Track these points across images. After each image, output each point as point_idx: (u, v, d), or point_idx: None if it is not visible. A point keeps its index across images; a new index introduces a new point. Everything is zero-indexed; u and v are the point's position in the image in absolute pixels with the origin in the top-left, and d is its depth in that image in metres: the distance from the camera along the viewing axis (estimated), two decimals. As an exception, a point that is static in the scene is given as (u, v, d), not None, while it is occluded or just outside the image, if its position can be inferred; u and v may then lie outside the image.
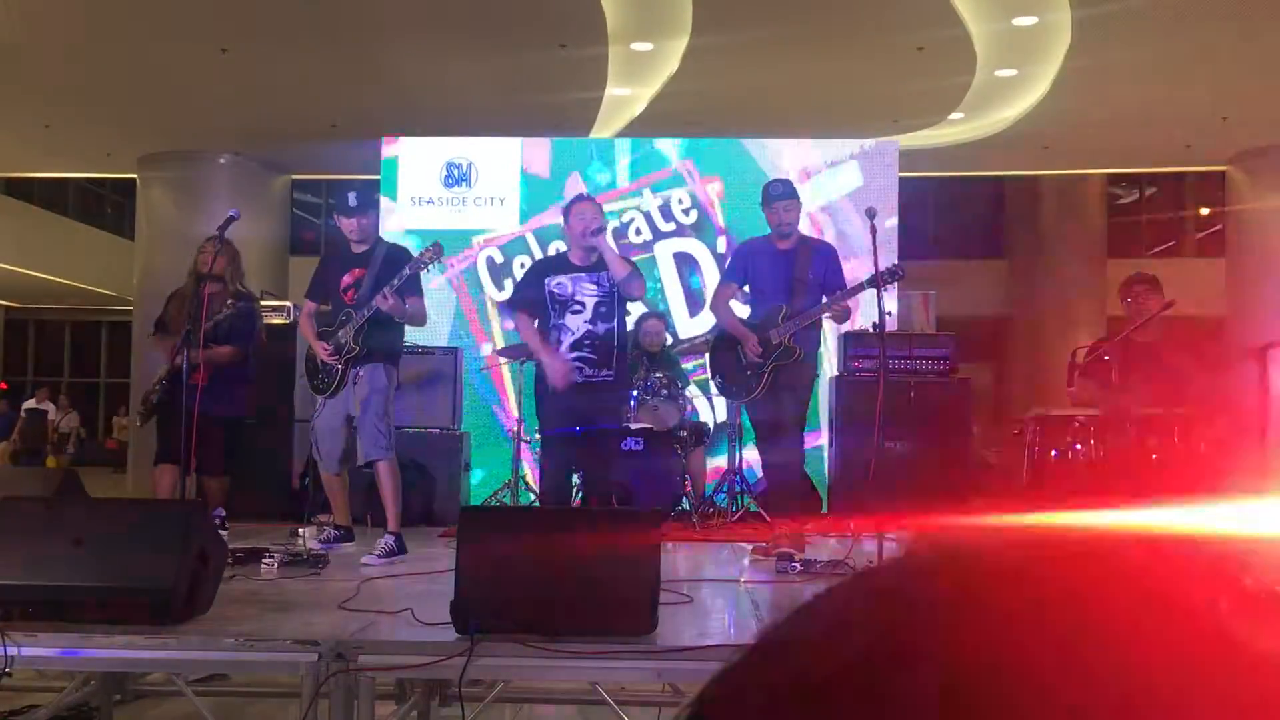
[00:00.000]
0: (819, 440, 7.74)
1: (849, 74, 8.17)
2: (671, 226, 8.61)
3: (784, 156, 8.62)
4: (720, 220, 8.59)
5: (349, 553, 5.03)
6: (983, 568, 0.40)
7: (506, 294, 8.44)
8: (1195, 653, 0.36)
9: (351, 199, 5.29)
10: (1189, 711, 0.35)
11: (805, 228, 5.51)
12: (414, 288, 5.11)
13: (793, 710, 0.37)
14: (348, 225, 5.26)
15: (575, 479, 5.41)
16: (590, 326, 5.02)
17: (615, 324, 5.08)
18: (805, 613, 0.40)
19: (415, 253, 5.23)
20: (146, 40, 7.64)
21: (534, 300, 5.14)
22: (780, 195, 5.25)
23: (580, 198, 5.38)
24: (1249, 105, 8.66)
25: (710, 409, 7.85)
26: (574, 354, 5.02)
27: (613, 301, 5.05)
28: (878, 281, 4.85)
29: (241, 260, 5.88)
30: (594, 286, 5.04)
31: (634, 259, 5.96)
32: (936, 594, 0.39)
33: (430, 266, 5.08)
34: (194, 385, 4.77)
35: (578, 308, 5.03)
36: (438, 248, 5.09)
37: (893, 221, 8.30)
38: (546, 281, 5.08)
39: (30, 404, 18.60)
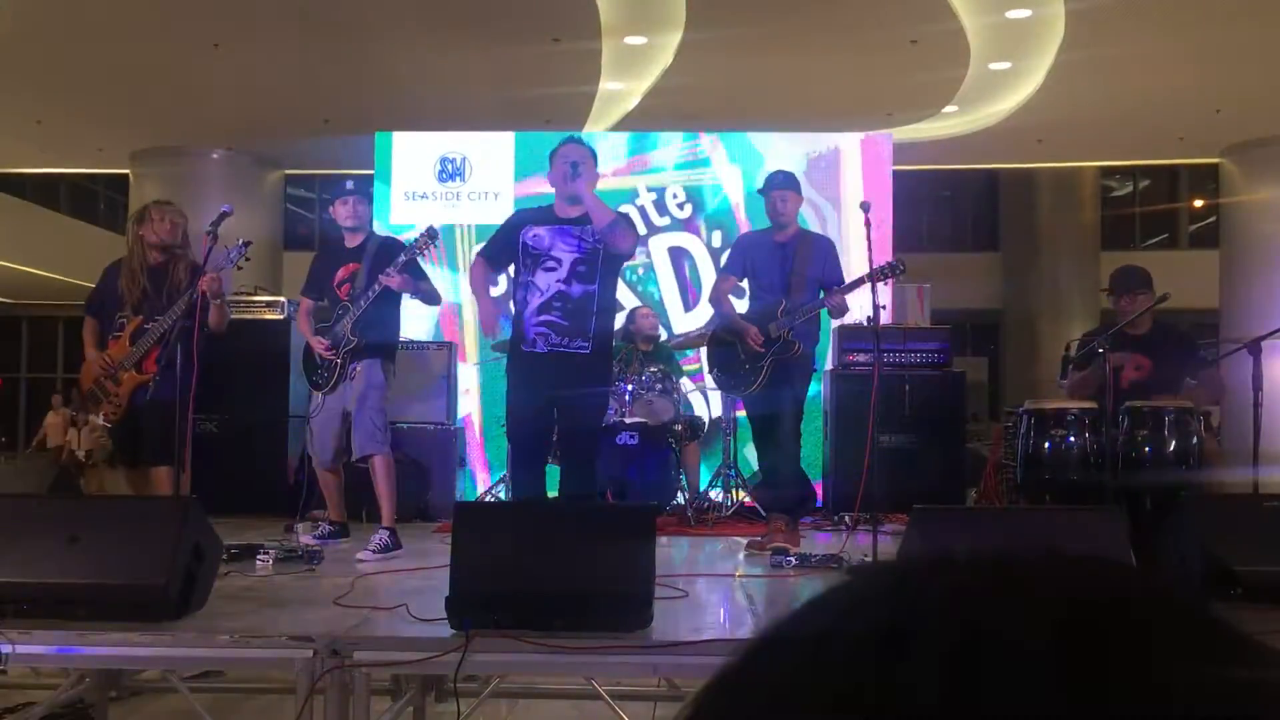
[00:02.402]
0: (815, 434, 7.74)
1: (843, 67, 8.17)
2: (666, 221, 8.59)
3: (777, 150, 8.61)
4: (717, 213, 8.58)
5: (344, 548, 5.03)
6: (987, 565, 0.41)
7: (500, 290, 8.43)
8: (1201, 642, 0.38)
9: (348, 184, 5.33)
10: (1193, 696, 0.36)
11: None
12: (416, 272, 5.06)
13: (812, 673, 0.39)
14: (342, 210, 5.21)
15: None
16: (563, 286, 4.47)
17: (595, 288, 4.50)
18: (829, 593, 0.42)
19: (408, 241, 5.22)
20: (138, 36, 7.61)
21: (500, 252, 4.68)
22: (778, 184, 5.24)
23: (569, 139, 4.83)
24: (1242, 98, 8.67)
25: (706, 404, 7.85)
26: (541, 317, 4.47)
27: (595, 262, 4.50)
28: (874, 276, 4.84)
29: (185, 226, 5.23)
30: (574, 241, 4.50)
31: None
32: (946, 580, 0.40)
33: (426, 252, 5.03)
34: (188, 382, 4.70)
35: (552, 264, 4.49)
36: (431, 232, 4.98)
37: (887, 215, 8.30)
38: (523, 233, 4.58)
39: None
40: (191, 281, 4.85)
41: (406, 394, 6.67)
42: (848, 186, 8.48)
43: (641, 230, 8.39)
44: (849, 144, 8.67)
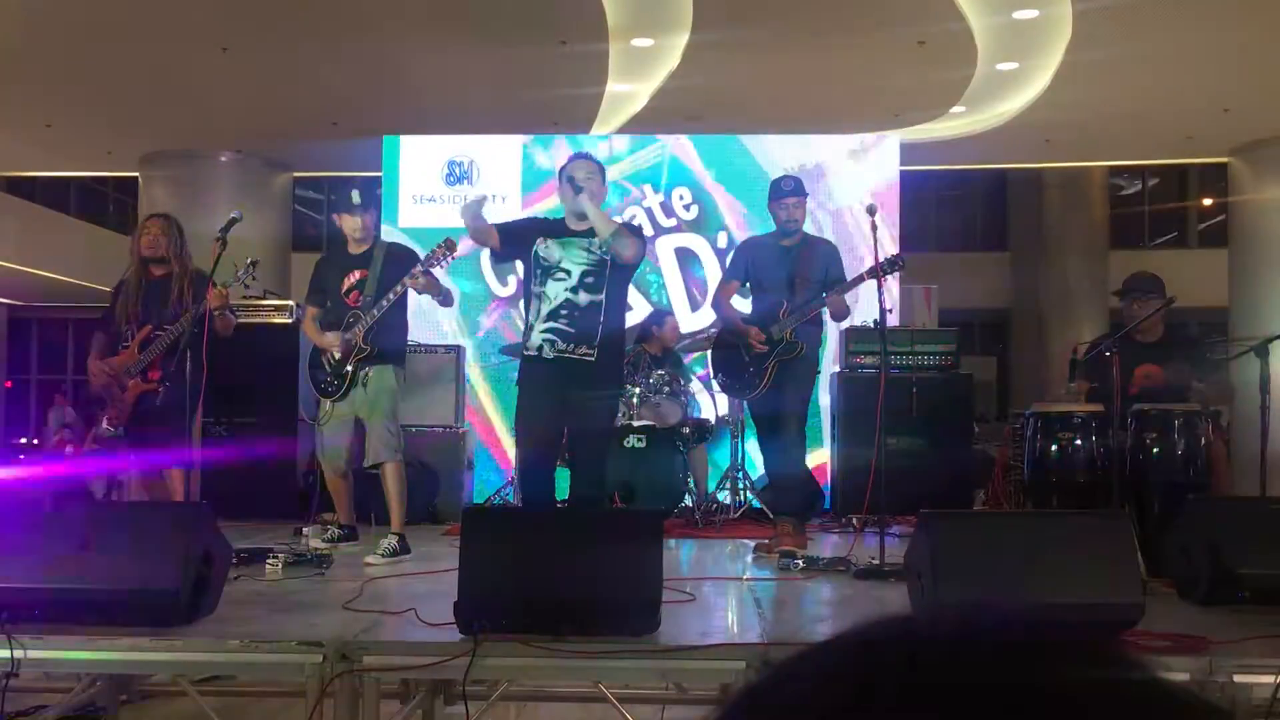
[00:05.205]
0: (821, 436, 7.74)
1: (850, 68, 8.16)
2: (673, 222, 8.60)
3: (784, 151, 8.61)
4: (722, 216, 8.58)
5: (353, 552, 5.04)
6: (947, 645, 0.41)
7: (510, 289, 8.44)
8: None
9: (355, 196, 5.28)
10: None
11: (807, 224, 5.50)
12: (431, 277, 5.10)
13: None
14: (350, 223, 5.20)
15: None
16: (571, 296, 4.53)
17: (603, 297, 4.55)
18: (793, 665, 0.42)
19: (417, 249, 5.22)
20: (147, 39, 7.63)
21: (507, 229, 4.76)
22: (789, 192, 5.25)
23: (577, 155, 4.88)
24: (1250, 97, 8.64)
25: (713, 403, 7.85)
26: (548, 324, 4.54)
27: (603, 272, 4.56)
28: (877, 272, 4.84)
29: (185, 235, 5.28)
30: (584, 253, 4.57)
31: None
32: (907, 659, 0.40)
33: (442, 263, 5.02)
34: (196, 387, 4.72)
35: (562, 275, 4.56)
36: (450, 244, 4.95)
37: (894, 216, 8.30)
38: (536, 243, 4.65)
39: None
40: (199, 291, 4.89)
41: (414, 397, 6.69)
42: (854, 188, 8.48)
43: (649, 232, 8.42)
44: (855, 145, 8.67)
